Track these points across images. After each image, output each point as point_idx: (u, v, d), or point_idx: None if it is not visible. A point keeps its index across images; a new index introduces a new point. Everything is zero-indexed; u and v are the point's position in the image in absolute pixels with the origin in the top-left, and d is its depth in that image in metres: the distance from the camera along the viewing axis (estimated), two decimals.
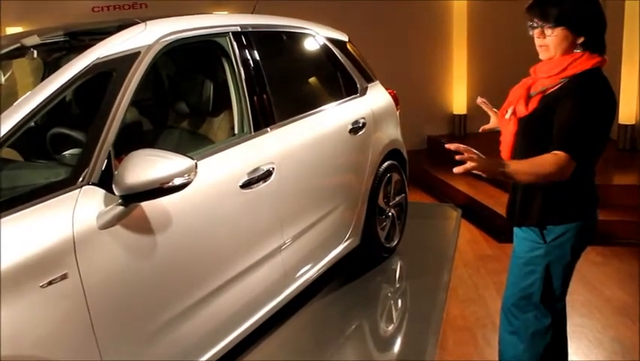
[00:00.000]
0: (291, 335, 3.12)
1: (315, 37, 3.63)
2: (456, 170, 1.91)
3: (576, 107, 2.01)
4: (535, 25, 2.10)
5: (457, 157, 1.92)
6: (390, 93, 4.16)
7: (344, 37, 3.95)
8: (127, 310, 2.06)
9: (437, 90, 7.37)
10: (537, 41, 2.13)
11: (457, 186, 5.61)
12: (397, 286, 3.77)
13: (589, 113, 2.00)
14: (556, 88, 2.09)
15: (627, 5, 5.77)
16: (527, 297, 2.26)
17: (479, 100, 2.55)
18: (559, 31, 2.05)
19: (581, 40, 2.06)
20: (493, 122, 2.53)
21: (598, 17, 2.11)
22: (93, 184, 1.95)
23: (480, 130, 2.60)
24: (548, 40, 2.08)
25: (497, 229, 4.64)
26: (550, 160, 1.98)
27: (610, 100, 2.05)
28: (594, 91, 2.03)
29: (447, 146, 1.95)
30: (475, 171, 1.91)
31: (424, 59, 7.24)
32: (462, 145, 1.94)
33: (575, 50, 2.07)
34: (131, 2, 6.48)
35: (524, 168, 2.01)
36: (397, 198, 4.05)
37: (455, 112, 7.34)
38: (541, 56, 2.16)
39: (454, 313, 3.51)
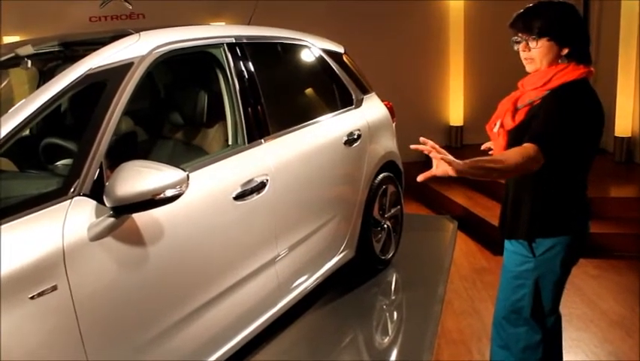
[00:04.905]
0: (286, 347, 3.09)
1: (311, 49, 3.63)
2: (419, 178, 1.93)
3: (554, 109, 2.03)
4: (519, 39, 2.14)
5: (425, 151, 1.92)
6: (386, 105, 4.16)
7: (340, 49, 3.96)
8: (117, 322, 2.04)
9: (433, 102, 7.39)
10: (522, 55, 2.16)
11: (454, 198, 5.61)
12: (392, 298, 3.75)
13: (568, 116, 2.00)
14: (541, 99, 2.10)
15: (623, 19, 5.80)
16: (517, 311, 2.25)
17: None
18: (543, 43, 2.08)
19: (565, 51, 2.08)
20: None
21: (581, 28, 2.15)
22: (84, 195, 1.94)
23: (482, 147, 2.60)
24: (533, 53, 2.11)
25: (493, 242, 4.63)
26: (517, 150, 1.98)
27: (594, 109, 2.05)
28: (577, 99, 2.04)
29: (412, 147, 1.95)
30: (439, 174, 1.90)
31: (420, 71, 7.26)
32: (430, 142, 1.92)
33: (560, 62, 2.09)
34: (128, 12, 6.49)
35: (490, 160, 1.99)
36: (393, 210, 4.04)
37: (452, 123, 7.35)
38: (527, 69, 2.19)
39: (449, 326, 3.49)
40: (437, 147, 1.90)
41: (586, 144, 2.08)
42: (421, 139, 1.94)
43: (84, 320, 1.87)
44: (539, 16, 2.08)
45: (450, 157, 1.88)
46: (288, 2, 6.42)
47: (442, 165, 1.88)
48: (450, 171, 1.87)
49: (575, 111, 2.02)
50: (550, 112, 2.02)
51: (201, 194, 2.36)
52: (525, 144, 1.98)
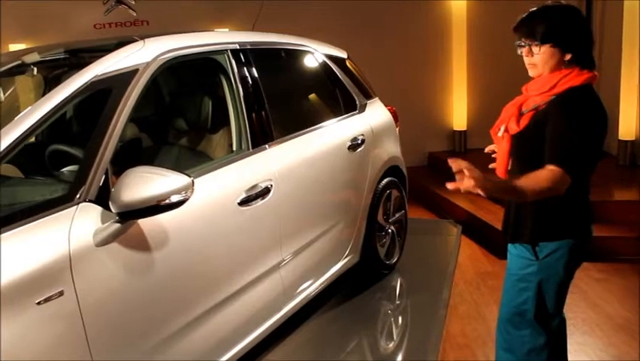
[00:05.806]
0: (291, 352, 3.09)
1: (314, 54, 3.65)
2: (449, 186, 1.90)
3: (566, 120, 2.02)
4: (523, 43, 2.13)
5: (457, 175, 1.90)
6: (389, 110, 4.17)
7: (343, 54, 3.97)
8: (123, 327, 2.05)
9: (437, 106, 7.38)
10: (525, 60, 2.16)
11: (458, 202, 5.61)
12: (397, 303, 3.74)
13: (579, 126, 2.00)
14: (546, 104, 2.10)
15: (625, 22, 5.79)
16: (521, 314, 2.25)
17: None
18: (546, 49, 2.07)
19: (568, 56, 2.08)
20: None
21: (585, 33, 2.13)
22: (90, 201, 1.95)
23: (486, 150, 2.59)
24: (536, 59, 2.11)
25: (498, 246, 4.63)
26: (544, 176, 1.97)
27: (600, 115, 2.05)
28: (583, 105, 2.04)
29: (450, 161, 1.93)
30: (463, 189, 1.90)
31: (423, 75, 7.27)
32: (464, 162, 1.90)
33: (564, 67, 2.09)
34: (132, 19, 6.52)
35: (519, 185, 1.99)
36: (397, 215, 4.04)
37: (455, 128, 7.34)
38: (530, 74, 2.18)
39: (454, 330, 3.49)
40: (469, 165, 1.88)
41: (594, 150, 2.08)
42: (452, 161, 1.93)
43: (90, 325, 1.88)
44: (543, 22, 2.07)
45: (476, 174, 1.87)
46: (291, 8, 6.45)
47: (467, 181, 1.87)
48: (472, 190, 1.88)
49: (584, 121, 2.01)
50: (562, 127, 2.01)
51: (206, 199, 2.37)
52: (549, 167, 1.97)
